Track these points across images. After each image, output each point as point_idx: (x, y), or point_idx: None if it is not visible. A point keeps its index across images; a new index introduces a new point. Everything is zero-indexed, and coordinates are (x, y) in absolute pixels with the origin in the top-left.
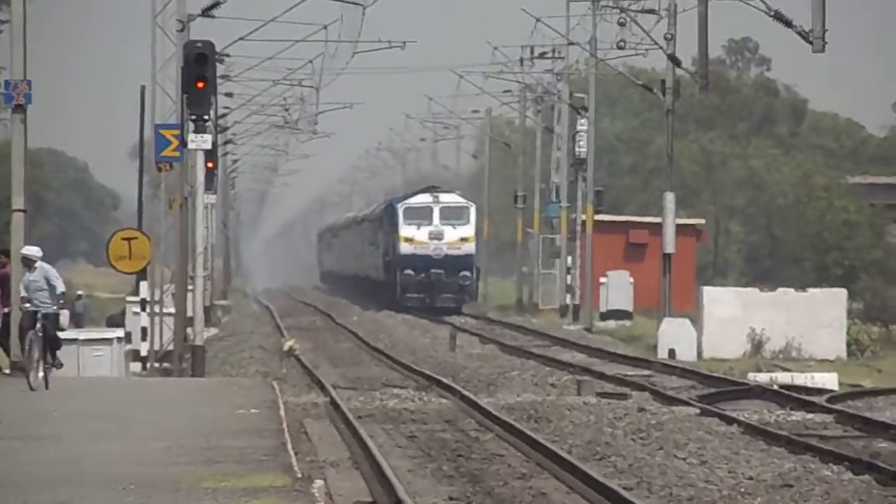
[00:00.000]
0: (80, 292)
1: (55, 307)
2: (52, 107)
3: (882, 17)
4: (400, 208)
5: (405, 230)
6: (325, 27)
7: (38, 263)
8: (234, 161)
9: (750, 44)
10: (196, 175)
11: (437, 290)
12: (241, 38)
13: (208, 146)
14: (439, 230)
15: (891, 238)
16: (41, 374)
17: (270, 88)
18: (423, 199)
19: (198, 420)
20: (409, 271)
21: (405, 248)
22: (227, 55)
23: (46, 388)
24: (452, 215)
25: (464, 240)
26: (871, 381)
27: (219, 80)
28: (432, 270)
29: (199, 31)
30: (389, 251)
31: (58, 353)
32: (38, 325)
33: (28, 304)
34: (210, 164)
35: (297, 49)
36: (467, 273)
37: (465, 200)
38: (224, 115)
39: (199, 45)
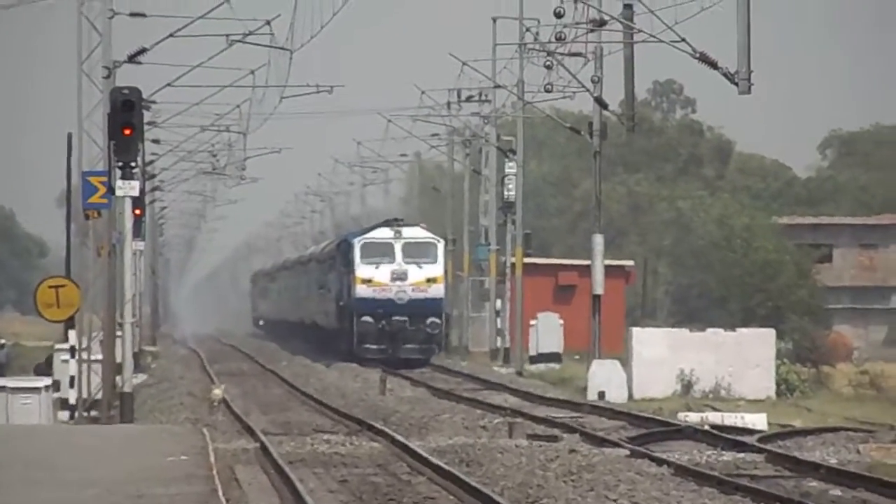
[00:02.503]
0: (2, 341)
1: None
2: None
3: (806, 59)
4: (356, 244)
5: (362, 270)
6: (253, 72)
7: None
8: (162, 208)
9: (674, 85)
10: (124, 222)
11: (400, 340)
12: (168, 84)
13: (136, 193)
14: (402, 270)
15: (816, 276)
16: None
17: (198, 134)
18: (382, 233)
19: (128, 467)
20: (368, 318)
21: (362, 290)
22: (154, 101)
23: None
24: (418, 252)
25: (431, 281)
26: (800, 420)
27: (146, 127)
28: (395, 317)
29: (126, 77)
30: (343, 295)
31: None
32: None
33: None
34: (138, 211)
35: (225, 94)
36: (436, 319)
37: (431, 235)
38: (151, 162)
39: (126, 91)
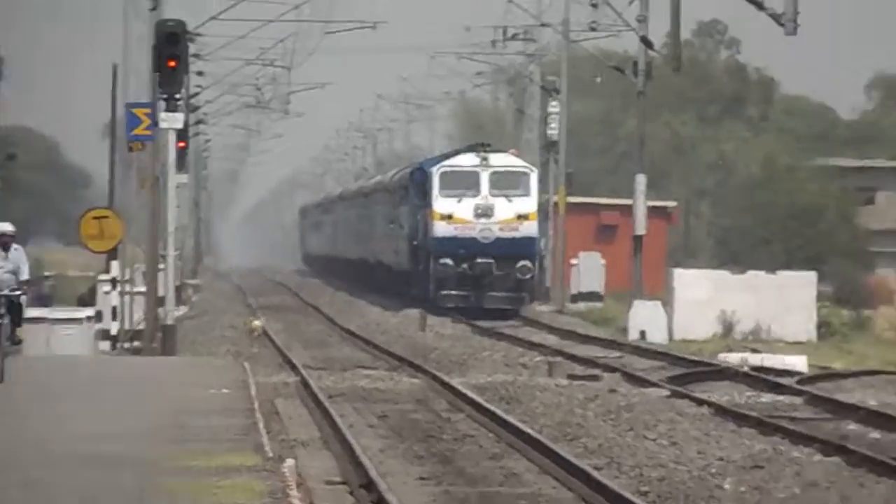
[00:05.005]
0: (47, 273)
1: (19, 292)
2: (22, 84)
3: (853, 1)
4: (435, 173)
5: (441, 204)
6: (298, 7)
7: (13, 245)
8: (206, 141)
9: (719, 26)
10: (167, 154)
11: (485, 287)
12: (212, 17)
13: (180, 125)
14: (489, 204)
15: (859, 219)
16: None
17: (242, 68)
18: (466, 160)
19: (169, 399)
20: (447, 260)
21: (441, 228)
22: (199, 34)
23: (1, 380)
24: (507, 183)
25: (522, 217)
26: (840, 363)
27: (190, 60)
28: (479, 260)
29: (172, 10)
30: (418, 232)
31: (19, 331)
32: (3, 311)
33: None
34: (181, 144)
35: (270, 29)
36: (527, 263)
37: (523, 163)
38: (196, 95)
39: (171, 23)
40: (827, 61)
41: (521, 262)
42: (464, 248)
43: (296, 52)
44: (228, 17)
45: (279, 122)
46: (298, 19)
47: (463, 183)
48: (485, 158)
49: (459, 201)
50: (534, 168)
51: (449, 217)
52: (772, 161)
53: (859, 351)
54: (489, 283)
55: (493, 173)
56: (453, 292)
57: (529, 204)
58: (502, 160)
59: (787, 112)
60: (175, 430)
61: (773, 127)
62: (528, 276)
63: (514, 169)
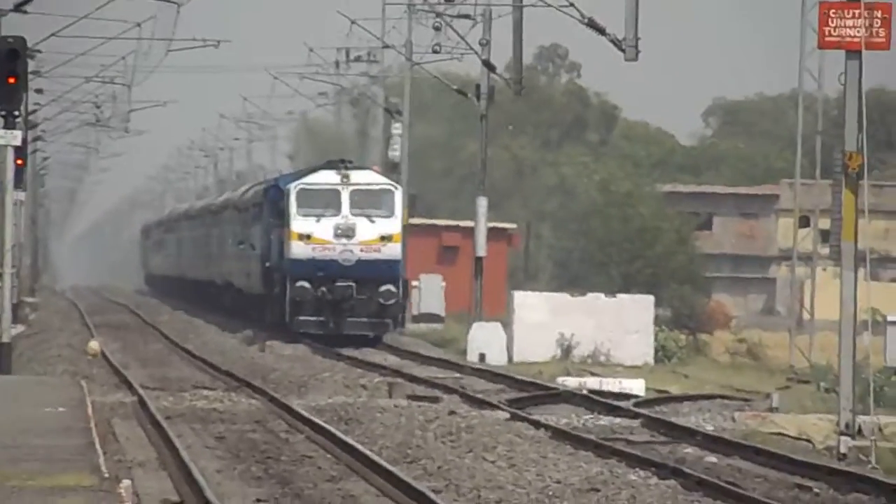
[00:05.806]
0: None
1: None
2: None
3: (693, 28)
4: (292, 191)
5: (299, 224)
6: (139, 24)
7: None
8: (44, 158)
9: (559, 50)
10: (5, 172)
11: (345, 312)
12: (53, 34)
13: (18, 142)
14: (350, 224)
15: (694, 243)
16: None
17: (82, 85)
18: (325, 177)
19: (4, 417)
20: (304, 283)
21: (299, 249)
22: (39, 51)
23: None
24: (370, 202)
25: (386, 239)
26: (677, 387)
27: (29, 76)
28: (339, 283)
29: (11, 26)
30: (273, 253)
31: None
32: None
33: None
34: (20, 161)
35: (111, 46)
36: (391, 287)
37: (386, 181)
38: (34, 112)
39: (11, 40)
40: (667, 87)
41: (385, 286)
42: (322, 270)
43: (137, 70)
44: (69, 34)
45: (119, 140)
46: (140, 37)
47: (322, 201)
48: (346, 176)
49: (318, 221)
50: (398, 186)
51: (307, 237)
52: (609, 185)
53: (695, 375)
54: (349, 307)
55: (355, 191)
56: (311, 318)
57: (393, 224)
58: (364, 177)
59: (626, 137)
60: (10, 449)
61: (614, 152)
62: (391, 301)
63: (377, 187)
